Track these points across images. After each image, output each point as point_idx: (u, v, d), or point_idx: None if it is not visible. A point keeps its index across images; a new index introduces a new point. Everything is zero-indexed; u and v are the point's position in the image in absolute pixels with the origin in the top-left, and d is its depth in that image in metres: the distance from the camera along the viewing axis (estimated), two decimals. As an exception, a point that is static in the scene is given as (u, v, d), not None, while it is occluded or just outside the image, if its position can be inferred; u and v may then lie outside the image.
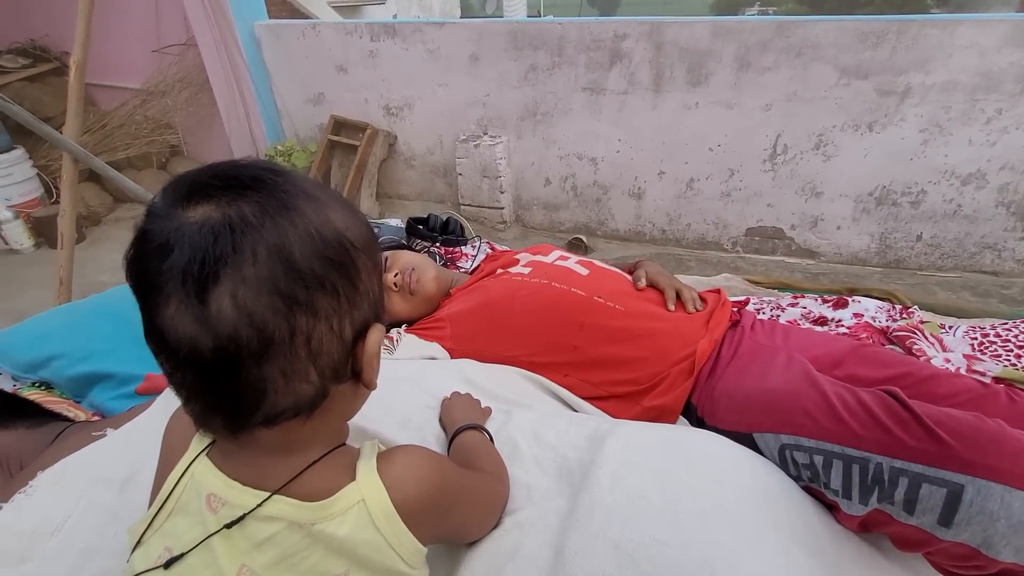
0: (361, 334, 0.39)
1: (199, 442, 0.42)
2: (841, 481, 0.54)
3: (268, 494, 0.38)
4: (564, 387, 0.87)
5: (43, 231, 2.99)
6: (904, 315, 1.15)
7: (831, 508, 0.60)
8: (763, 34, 2.21)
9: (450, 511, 0.46)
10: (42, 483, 0.55)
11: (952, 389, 0.70)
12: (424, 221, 1.56)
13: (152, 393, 0.82)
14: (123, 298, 1.06)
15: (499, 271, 1.09)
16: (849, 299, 1.21)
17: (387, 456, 0.44)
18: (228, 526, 0.37)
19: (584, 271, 1.01)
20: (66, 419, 0.78)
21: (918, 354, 0.99)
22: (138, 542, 0.41)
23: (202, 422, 0.38)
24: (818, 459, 0.56)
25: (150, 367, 0.92)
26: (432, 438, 0.62)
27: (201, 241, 0.32)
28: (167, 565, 0.38)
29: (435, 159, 3.18)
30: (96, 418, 0.85)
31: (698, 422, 0.79)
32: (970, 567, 0.52)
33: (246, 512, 0.37)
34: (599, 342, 0.89)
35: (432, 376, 0.75)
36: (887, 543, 0.56)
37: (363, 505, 0.39)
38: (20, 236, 2.94)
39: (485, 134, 2.93)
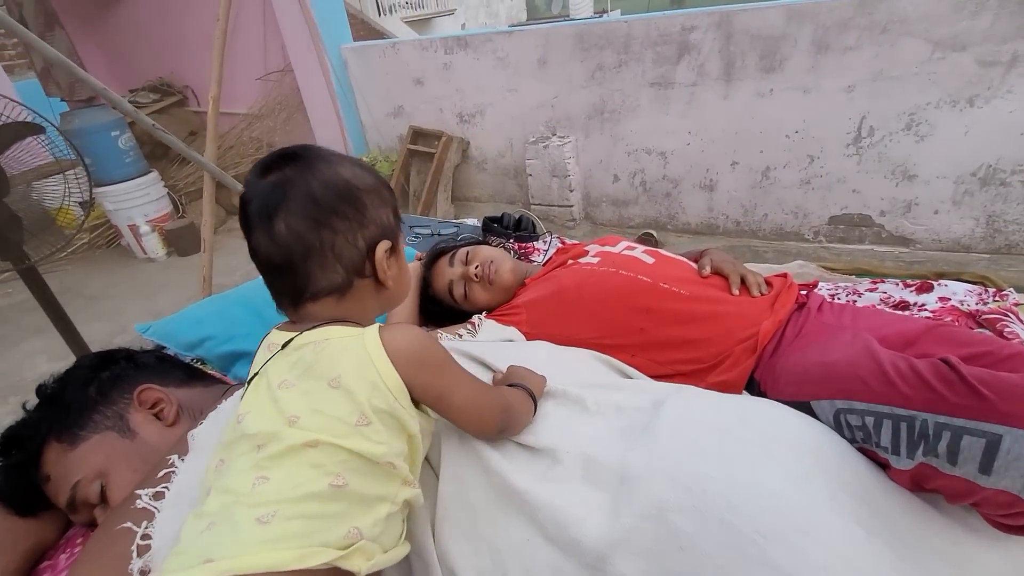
0: (373, 247, 0.58)
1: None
2: (890, 439, 0.57)
3: (302, 330, 0.57)
4: (632, 366, 0.94)
5: (173, 241, 3.47)
6: (997, 298, 1.09)
7: (884, 467, 0.63)
8: (842, 13, 2.12)
9: (432, 373, 0.57)
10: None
11: (1036, 368, 0.69)
12: (499, 220, 1.68)
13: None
14: (256, 290, 1.27)
15: (570, 262, 1.17)
16: (935, 283, 1.16)
17: (387, 324, 0.61)
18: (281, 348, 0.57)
19: (650, 259, 1.07)
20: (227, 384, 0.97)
21: (1010, 337, 0.94)
22: (249, 382, 0.60)
23: (278, 300, 0.60)
24: (869, 420, 0.59)
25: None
26: None
27: (265, 192, 0.55)
28: (248, 381, 0.58)
29: (506, 162, 3.31)
30: (243, 386, 1.05)
31: (760, 396, 0.82)
32: (1016, 515, 0.53)
33: (288, 340, 0.56)
34: (665, 324, 0.94)
35: (512, 353, 0.85)
36: (941, 501, 0.59)
37: (360, 335, 0.55)
38: (156, 247, 3.43)
39: (554, 135, 3.02)
